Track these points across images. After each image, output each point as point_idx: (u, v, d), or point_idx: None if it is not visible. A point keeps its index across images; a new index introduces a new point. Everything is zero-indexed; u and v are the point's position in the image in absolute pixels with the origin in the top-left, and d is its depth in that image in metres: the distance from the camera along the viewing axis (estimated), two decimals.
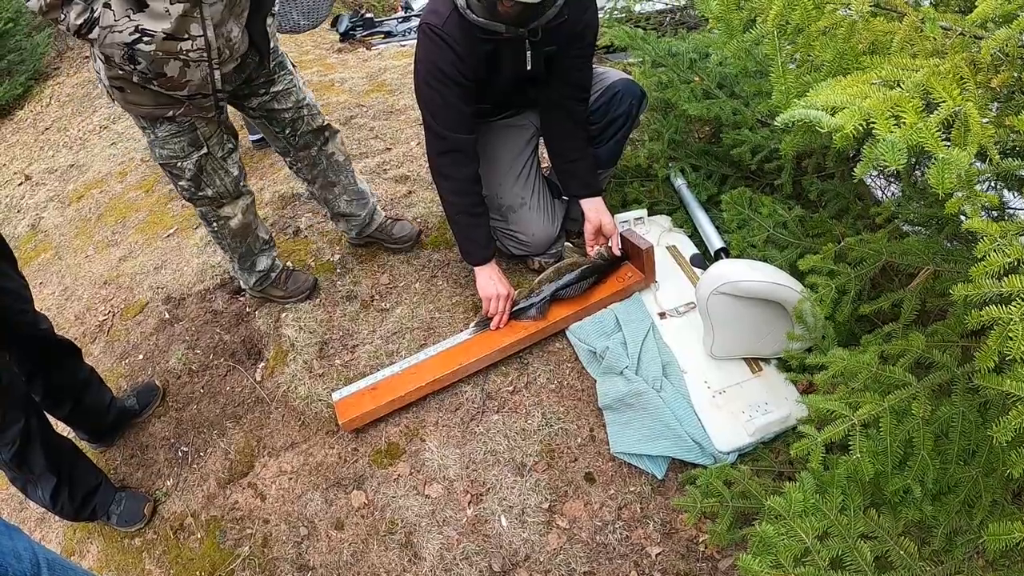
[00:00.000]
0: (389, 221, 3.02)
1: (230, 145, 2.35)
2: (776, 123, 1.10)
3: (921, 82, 1.03)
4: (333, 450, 2.40)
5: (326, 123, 2.62)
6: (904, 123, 1.00)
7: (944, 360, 1.50)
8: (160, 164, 2.29)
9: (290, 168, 2.74)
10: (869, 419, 1.41)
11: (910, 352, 1.54)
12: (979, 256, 1.09)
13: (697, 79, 2.84)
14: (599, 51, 4.37)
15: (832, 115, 1.02)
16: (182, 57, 1.92)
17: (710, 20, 1.34)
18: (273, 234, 3.00)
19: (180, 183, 2.34)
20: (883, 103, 1.03)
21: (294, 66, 2.49)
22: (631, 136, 2.91)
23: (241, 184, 2.47)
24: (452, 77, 2.26)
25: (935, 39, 1.17)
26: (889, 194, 2.62)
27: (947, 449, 1.44)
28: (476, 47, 2.23)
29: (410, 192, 3.39)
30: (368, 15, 6.10)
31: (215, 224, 2.51)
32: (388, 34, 5.95)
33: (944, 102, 1.03)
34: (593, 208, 2.56)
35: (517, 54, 2.30)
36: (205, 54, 1.96)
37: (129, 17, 1.81)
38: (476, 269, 2.53)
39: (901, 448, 1.42)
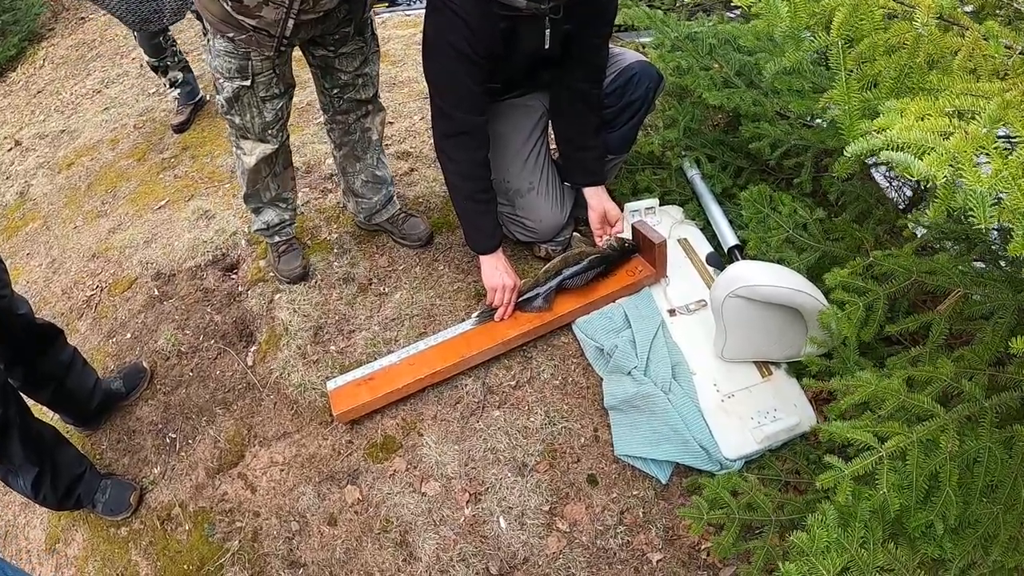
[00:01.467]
0: (403, 215, 2.90)
1: (276, 91, 2.29)
2: (847, 153, 1.00)
3: (996, 115, 0.93)
4: (327, 442, 2.33)
5: (374, 97, 2.57)
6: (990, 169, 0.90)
7: (972, 390, 1.44)
8: (210, 69, 2.29)
9: (325, 126, 2.71)
10: (896, 451, 1.34)
11: (937, 380, 1.48)
12: None
13: (716, 66, 2.72)
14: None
15: (919, 158, 0.92)
16: None
17: (774, 31, 1.22)
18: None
19: (218, 96, 2.32)
20: (967, 143, 0.93)
21: (374, 36, 2.45)
22: (644, 122, 2.80)
23: (269, 132, 2.39)
24: (464, 52, 2.11)
25: (996, 58, 1.08)
26: (902, 195, 2.53)
27: (971, 484, 1.39)
28: (492, 23, 2.09)
29: (412, 169, 3.28)
30: None
31: (235, 149, 2.49)
32: (393, 2, 5.78)
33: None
34: (595, 195, 2.47)
35: (536, 32, 2.16)
36: (287, 1, 1.96)
37: None
38: (481, 258, 2.43)
39: (927, 482, 1.36)
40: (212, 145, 3.88)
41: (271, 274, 2.87)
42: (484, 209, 2.40)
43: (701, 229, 2.67)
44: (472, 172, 2.34)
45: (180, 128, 4.08)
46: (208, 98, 4.23)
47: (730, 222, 2.55)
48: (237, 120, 2.33)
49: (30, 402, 2.19)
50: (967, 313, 1.67)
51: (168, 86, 4.09)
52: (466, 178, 2.36)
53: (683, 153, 2.80)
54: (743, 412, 2.14)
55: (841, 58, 1.17)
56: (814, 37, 1.20)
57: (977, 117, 0.94)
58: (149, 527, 2.28)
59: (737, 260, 2.39)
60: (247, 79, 2.21)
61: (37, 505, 2.34)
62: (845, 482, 1.31)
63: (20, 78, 5.66)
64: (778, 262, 2.17)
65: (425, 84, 3.61)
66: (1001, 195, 0.87)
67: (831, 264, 2.01)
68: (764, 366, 2.25)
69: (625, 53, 2.53)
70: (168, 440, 2.48)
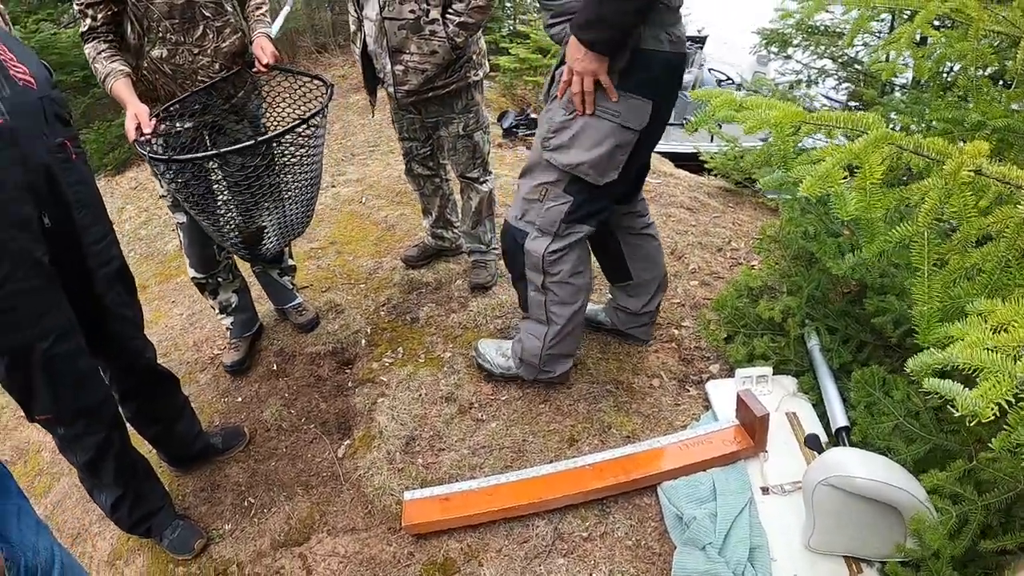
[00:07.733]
0: (475, 265, 3.53)
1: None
2: (908, 368, 0.90)
3: None
4: (390, 547, 2.33)
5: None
6: None
7: None
8: None
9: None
10: None
11: None
12: None
13: (847, 233, 2.61)
14: (751, 186, 4.37)
15: (970, 386, 0.82)
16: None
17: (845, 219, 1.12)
18: (391, 319, 3.20)
19: None
20: None
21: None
22: (768, 286, 2.83)
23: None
24: None
25: None
26: None
27: None
28: None
29: None
30: (533, 116, 6.25)
31: None
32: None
33: None
34: None
35: None
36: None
37: None
38: None
39: None
40: (358, 244, 4.17)
41: (382, 377, 3.00)
42: None
43: (814, 405, 2.51)
44: None
45: (235, 369, 3.19)
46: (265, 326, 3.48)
47: (844, 400, 2.38)
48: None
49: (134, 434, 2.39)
50: None
51: (218, 311, 3.16)
52: None
53: (804, 323, 2.67)
54: None
55: (925, 251, 1.04)
56: (896, 226, 1.06)
57: None
58: (204, 575, 2.36)
59: (844, 443, 2.24)
60: None
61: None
62: None
63: None
64: (885, 451, 2.03)
65: None
66: None
67: (943, 459, 1.85)
68: (854, 562, 2.03)
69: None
70: (246, 504, 2.58)
